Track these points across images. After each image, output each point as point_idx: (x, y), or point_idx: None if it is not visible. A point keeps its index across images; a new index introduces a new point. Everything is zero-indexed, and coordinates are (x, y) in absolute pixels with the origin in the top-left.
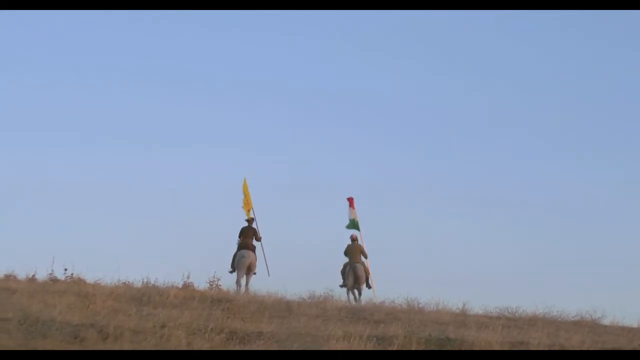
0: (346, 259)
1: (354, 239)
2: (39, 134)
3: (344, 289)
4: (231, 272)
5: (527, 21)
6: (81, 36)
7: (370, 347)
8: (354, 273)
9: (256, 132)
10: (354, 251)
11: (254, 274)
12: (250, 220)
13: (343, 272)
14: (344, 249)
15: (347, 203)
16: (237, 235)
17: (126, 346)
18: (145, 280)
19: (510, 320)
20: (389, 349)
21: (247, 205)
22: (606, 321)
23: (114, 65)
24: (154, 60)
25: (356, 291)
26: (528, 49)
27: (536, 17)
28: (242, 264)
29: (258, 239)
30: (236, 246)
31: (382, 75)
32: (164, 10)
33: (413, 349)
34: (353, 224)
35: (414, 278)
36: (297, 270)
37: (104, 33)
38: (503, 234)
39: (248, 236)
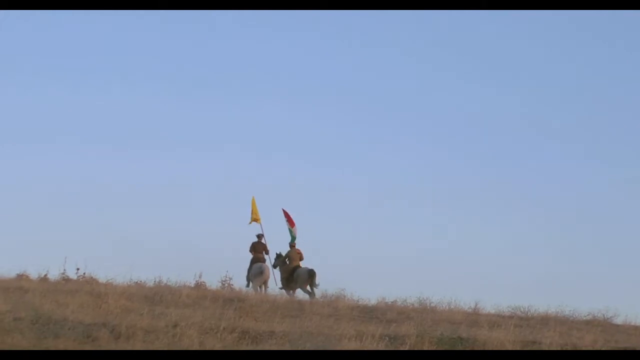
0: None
1: (292, 246)
2: (44, 132)
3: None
4: (247, 286)
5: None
6: (80, 36)
7: (382, 346)
8: (309, 275)
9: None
10: (294, 256)
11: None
12: (259, 236)
13: (291, 276)
14: (284, 254)
15: (284, 217)
16: (248, 249)
17: (138, 345)
18: (157, 279)
19: (522, 320)
20: (401, 348)
21: (256, 220)
22: (618, 320)
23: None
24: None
25: (309, 288)
26: (557, 50)
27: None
28: (261, 279)
29: (267, 253)
30: (249, 261)
31: (404, 75)
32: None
33: (425, 348)
34: (292, 236)
35: (427, 277)
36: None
37: (108, 32)
38: (516, 233)
39: (259, 251)
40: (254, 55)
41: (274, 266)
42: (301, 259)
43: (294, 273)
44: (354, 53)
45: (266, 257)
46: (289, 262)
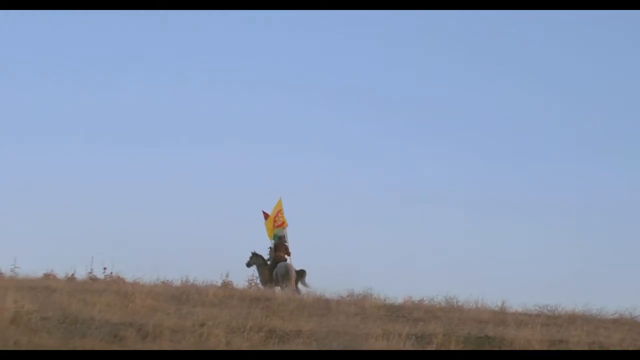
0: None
1: (276, 248)
2: (62, 130)
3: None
4: (265, 285)
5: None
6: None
7: (409, 345)
8: (286, 269)
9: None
10: (280, 258)
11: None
12: (281, 237)
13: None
14: (268, 257)
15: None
16: (271, 250)
17: (165, 345)
18: (184, 279)
19: (549, 318)
20: (428, 347)
21: (281, 222)
22: None
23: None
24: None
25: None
26: (584, 51)
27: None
28: (288, 278)
29: (289, 254)
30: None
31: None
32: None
33: (452, 347)
34: (277, 235)
35: (453, 276)
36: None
37: (109, 30)
38: (543, 232)
39: (281, 250)
40: (280, 53)
41: (248, 265)
42: (287, 253)
43: (274, 268)
44: (381, 53)
45: (287, 258)
46: (272, 265)
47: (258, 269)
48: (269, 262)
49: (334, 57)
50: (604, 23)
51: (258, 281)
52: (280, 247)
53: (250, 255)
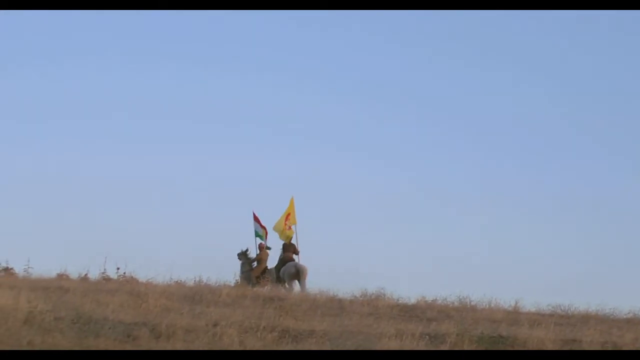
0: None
1: (261, 248)
2: (72, 131)
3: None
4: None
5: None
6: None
7: (422, 345)
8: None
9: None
10: (264, 258)
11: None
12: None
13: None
14: (256, 256)
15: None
16: (280, 249)
17: (179, 345)
18: (197, 278)
19: (562, 318)
20: (441, 347)
21: (291, 221)
22: None
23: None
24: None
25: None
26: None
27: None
28: (298, 278)
29: (297, 253)
30: (277, 261)
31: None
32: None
33: (465, 347)
34: (259, 235)
35: (466, 276)
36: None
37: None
38: (556, 232)
39: (290, 250)
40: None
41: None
42: (296, 253)
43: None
44: (403, 53)
45: (295, 257)
46: (258, 264)
47: (242, 267)
48: (254, 264)
49: (348, 54)
50: (620, 24)
51: (239, 278)
52: (288, 246)
53: (240, 252)
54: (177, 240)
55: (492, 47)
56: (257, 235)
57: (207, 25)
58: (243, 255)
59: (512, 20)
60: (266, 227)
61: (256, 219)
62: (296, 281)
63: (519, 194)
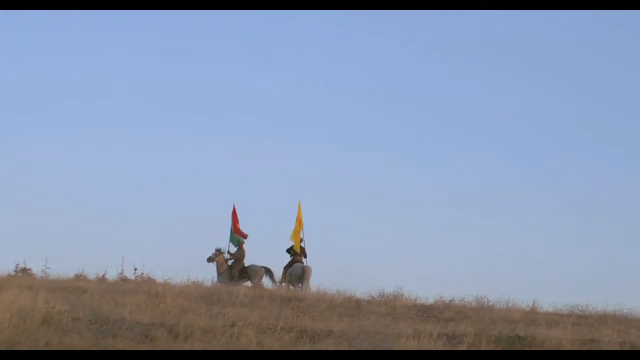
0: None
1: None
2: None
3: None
4: (286, 283)
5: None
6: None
7: (440, 345)
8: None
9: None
10: (242, 257)
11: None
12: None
13: (243, 274)
14: (235, 253)
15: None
16: (287, 251)
17: (196, 345)
18: (214, 279)
19: (580, 318)
20: (459, 347)
21: (299, 225)
22: None
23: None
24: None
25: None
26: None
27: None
28: (304, 279)
29: (305, 256)
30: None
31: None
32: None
33: (483, 347)
34: (234, 239)
35: (484, 276)
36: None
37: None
38: (574, 232)
39: (297, 253)
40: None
41: (209, 260)
42: (304, 255)
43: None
44: (420, 55)
45: (304, 260)
46: (236, 263)
47: (218, 268)
48: (230, 262)
49: (353, 54)
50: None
51: (216, 279)
52: (301, 251)
53: (215, 251)
54: (193, 240)
55: (502, 48)
56: (233, 240)
57: (208, 25)
58: (219, 254)
59: (527, 22)
60: (243, 230)
61: (234, 216)
62: (302, 282)
63: (537, 194)
